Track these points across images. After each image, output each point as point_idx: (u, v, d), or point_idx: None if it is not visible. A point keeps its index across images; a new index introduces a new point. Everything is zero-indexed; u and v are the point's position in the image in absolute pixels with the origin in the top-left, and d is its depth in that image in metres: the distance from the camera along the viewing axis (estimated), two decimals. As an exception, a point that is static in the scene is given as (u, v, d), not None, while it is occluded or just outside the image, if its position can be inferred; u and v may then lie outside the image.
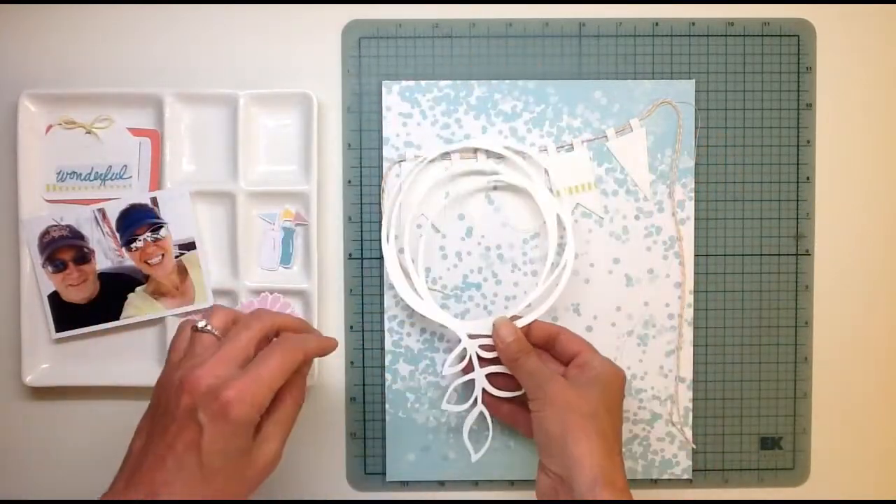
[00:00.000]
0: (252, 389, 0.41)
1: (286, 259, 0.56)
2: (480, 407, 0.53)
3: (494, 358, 0.53)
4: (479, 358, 0.54)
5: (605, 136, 0.55)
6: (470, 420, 0.54)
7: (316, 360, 0.54)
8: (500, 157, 0.55)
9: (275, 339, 0.45)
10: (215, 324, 0.45)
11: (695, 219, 0.56)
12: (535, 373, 0.50)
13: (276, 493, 0.57)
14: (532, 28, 0.56)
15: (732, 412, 0.57)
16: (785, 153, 0.56)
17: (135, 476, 0.41)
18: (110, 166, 0.55)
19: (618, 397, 0.50)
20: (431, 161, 0.55)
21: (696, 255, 0.56)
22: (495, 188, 0.56)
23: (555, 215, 0.54)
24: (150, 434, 0.42)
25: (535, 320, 0.53)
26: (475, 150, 0.55)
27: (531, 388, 0.50)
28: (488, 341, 0.53)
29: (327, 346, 0.48)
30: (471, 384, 0.54)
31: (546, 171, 0.55)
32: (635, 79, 0.56)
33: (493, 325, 0.53)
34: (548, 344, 0.53)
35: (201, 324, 0.44)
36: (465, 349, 0.54)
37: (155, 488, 0.40)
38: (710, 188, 0.56)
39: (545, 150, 0.55)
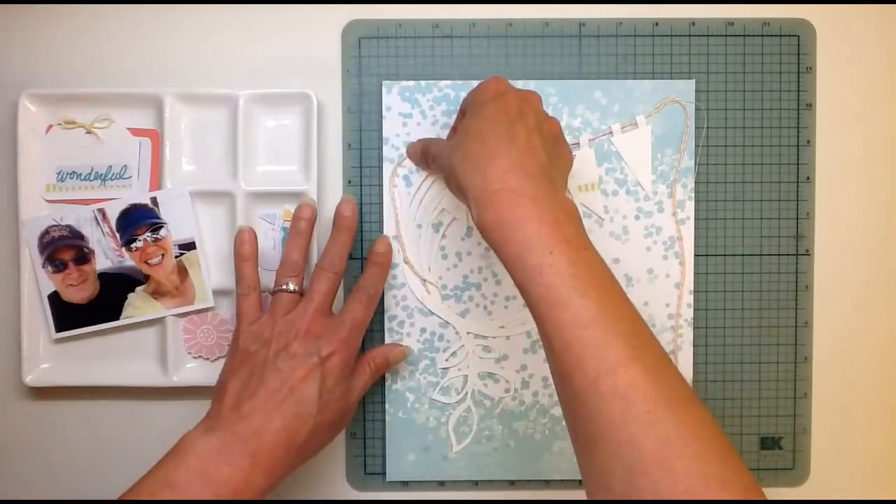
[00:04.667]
0: (348, 334, 0.50)
1: (286, 259, 0.56)
2: (469, 402, 0.55)
3: (490, 358, 0.56)
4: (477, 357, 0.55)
5: (611, 132, 0.55)
6: (457, 413, 0.55)
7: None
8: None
9: (353, 295, 0.52)
10: (296, 284, 0.51)
11: (695, 219, 0.56)
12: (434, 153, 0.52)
13: (276, 493, 0.57)
14: (532, 28, 0.56)
15: (732, 412, 0.57)
16: (785, 153, 0.56)
17: (241, 408, 0.46)
18: (110, 166, 0.55)
19: (479, 111, 0.47)
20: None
21: (696, 255, 0.56)
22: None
23: None
24: (249, 376, 0.48)
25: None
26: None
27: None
28: (487, 342, 0.55)
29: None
30: (464, 380, 0.56)
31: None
32: (635, 79, 0.56)
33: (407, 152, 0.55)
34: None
35: (291, 286, 0.51)
36: (463, 345, 0.55)
37: (263, 422, 0.46)
38: (710, 188, 0.56)
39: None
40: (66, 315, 0.55)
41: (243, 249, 0.52)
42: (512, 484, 0.57)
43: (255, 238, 0.52)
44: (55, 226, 0.54)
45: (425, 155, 0.53)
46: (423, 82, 0.55)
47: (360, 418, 0.56)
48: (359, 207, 0.54)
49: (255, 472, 0.45)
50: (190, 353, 0.56)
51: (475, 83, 0.55)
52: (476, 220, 0.42)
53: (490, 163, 0.43)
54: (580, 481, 0.57)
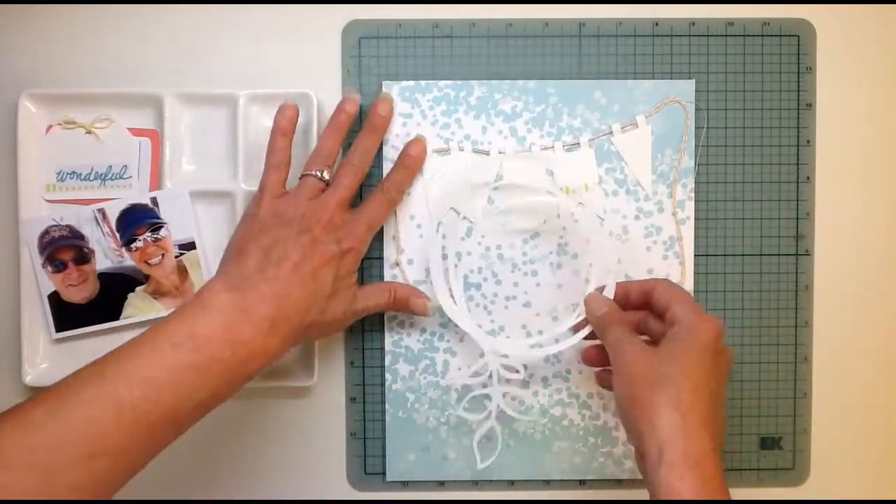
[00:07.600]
0: (365, 233, 0.51)
1: (286, 259, 0.56)
2: (492, 422, 0.54)
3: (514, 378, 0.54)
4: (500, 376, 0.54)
5: (611, 132, 0.55)
6: (481, 431, 0.54)
7: (316, 359, 0.55)
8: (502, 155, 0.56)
9: (374, 195, 0.53)
10: (328, 173, 0.51)
11: (695, 219, 0.56)
12: (614, 344, 0.48)
13: (276, 493, 0.57)
14: (532, 28, 0.56)
15: (732, 412, 0.57)
16: (785, 153, 0.56)
17: (266, 272, 0.46)
18: (110, 166, 0.55)
19: (701, 355, 0.45)
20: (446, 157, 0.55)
21: (696, 255, 0.56)
22: (496, 188, 0.55)
23: (574, 227, 0.55)
24: (272, 244, 0.48)
25: (629, 281, 0.52)
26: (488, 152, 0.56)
27: (612, 359, 0.48)
28: (510, 361, 0.54)
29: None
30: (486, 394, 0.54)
31: (551, 172, 0.55)
32: (635, 79, 0.56)
33: (585, 301, 0.52)
34: (646, 303, 0.50)
35: (323, 174, 0.51)
36: (486, 364, 0.53)
37: (285, 288, 0.46)
38: (710, 188, 0.56)
39: (551, 148, 0.55)
40: (66, 315, 0.55)
41: (283, 122, 0.51)
42: (512, 484, 0.57)
43: (297, 115, 0.52)
44: (55, 226, 0.54)
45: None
46: (423, 82, 0.55)
47: (360, 418, 0.56)
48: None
49: (272, 335, 0.45)
50: (190, 353, 0.56)
51: (475, 83, 0.55)
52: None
53: None
54: (580, 481, 0.57)
